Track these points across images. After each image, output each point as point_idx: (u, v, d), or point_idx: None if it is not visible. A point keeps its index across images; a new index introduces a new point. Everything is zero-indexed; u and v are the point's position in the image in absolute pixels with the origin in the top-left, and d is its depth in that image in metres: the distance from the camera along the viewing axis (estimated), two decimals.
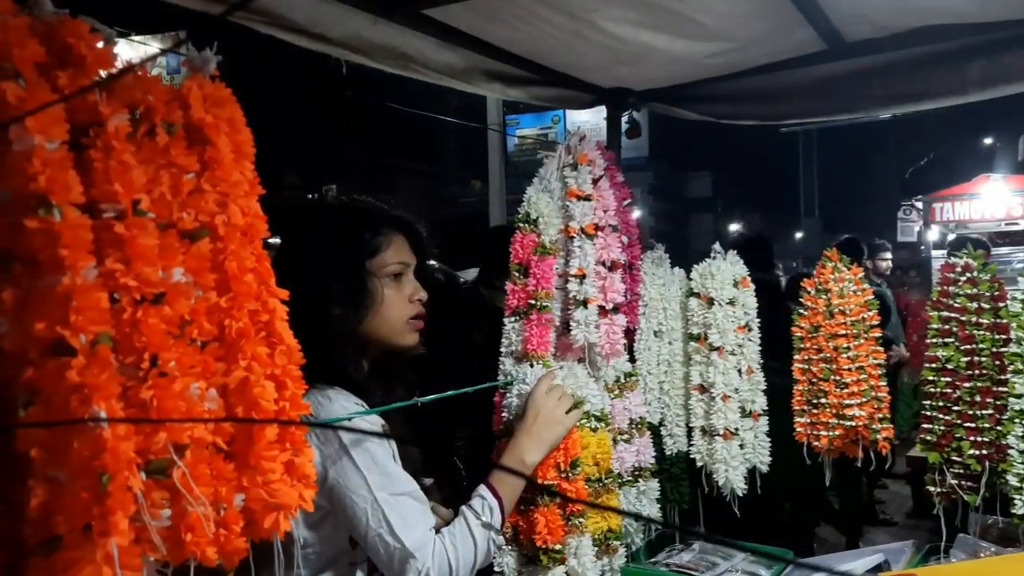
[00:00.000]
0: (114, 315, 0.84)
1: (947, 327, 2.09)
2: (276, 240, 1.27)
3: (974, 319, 2.04)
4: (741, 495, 2.28)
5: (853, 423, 2.20)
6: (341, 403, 1.33)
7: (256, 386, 0.93)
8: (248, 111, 1.01)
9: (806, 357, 2.30)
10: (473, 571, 1.39)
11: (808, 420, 2.30)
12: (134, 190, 0.86)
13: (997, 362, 2.00)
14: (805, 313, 2.31)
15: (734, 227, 26.93)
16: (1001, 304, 2.03)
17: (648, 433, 2.07)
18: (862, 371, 2.22)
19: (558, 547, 1.56)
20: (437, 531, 1.36)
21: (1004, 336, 1.99)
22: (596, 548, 1.66)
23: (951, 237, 8.05)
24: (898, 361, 4.80)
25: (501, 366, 1.73)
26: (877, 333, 2.26)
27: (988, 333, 2.02)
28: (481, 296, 2.79)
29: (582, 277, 1.76)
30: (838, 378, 2.23)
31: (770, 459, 2.35)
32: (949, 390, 2.08)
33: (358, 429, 1.28)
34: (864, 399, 2.21)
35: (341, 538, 1.36)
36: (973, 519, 2.10)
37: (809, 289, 2.32)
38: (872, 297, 2.29)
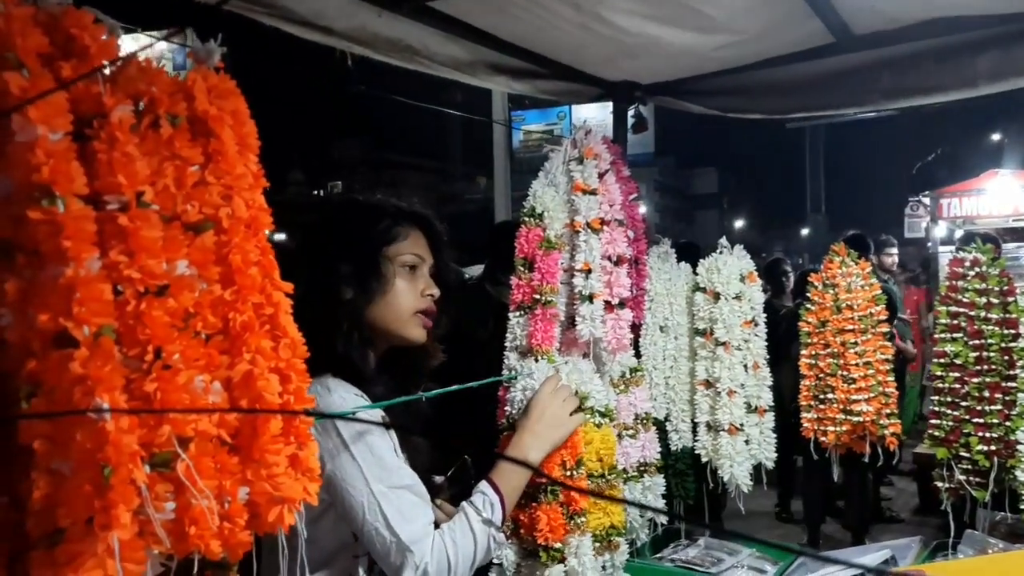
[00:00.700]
0: (118, 307, 0.83)
1: (955, 322, 2.08)
2: (281, 236, 1.27)
3: (983, 314, 2.03)
4: (746, 491, 2.28)
5: (860, 418, 2.19)
6: (340, 394, 1.32)
7: (260, 379, 0.92)
8: (252, 106, 1.00)
9: (813, 352, 2.29)
10: (473, 568, 1.38)
11: (815, 415, 2.29)
12: (138, 182, 0.86)
13: (1006, 357, 2.00)
14: (812, 308, 2.29)
15: (739, 224, 26.86)
16: (1010, 299, 2.01)
17: (653, 428, 2.06)
18: (869, 366, 2.21)
19: (558, 545, 1.55)
20: (437, 527, 1.36)
21: (1013, 331, 1.98)
22: (598, 544, 1.65)
23: (959, 233, 8.01)
24: (903, 358, 4.78)
25: (506, 360, 1.73)
26: (885, 328, 2.25)
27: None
28: (487, 293, 2.78)
29: (588, 272, 1.75)
30: (845, 373, 2.22)
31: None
32: (957, 385, 2.07)
33: (360, 419, 1.28)
34: (871, 394, 2.20)
35: (344, 531, 1.35)
36: (981, 515, 2.09)
37: (816, 284, 2.30)
38: (880, 292, 2.28)
